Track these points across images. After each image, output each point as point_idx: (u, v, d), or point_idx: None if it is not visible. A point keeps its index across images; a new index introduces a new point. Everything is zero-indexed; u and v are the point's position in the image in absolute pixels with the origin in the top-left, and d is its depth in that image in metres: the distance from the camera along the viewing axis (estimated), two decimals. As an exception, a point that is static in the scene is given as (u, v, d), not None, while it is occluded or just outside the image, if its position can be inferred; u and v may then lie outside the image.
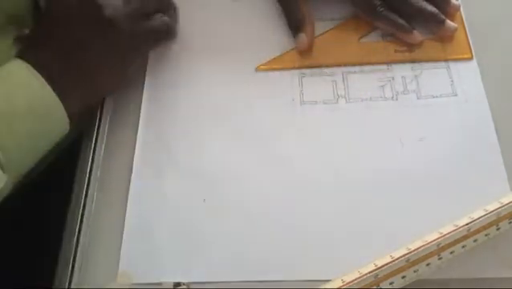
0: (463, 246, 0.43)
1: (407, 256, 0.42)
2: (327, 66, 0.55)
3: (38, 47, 0.49)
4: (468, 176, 0.47)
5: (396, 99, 0.53)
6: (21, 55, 0.48)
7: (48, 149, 0.49)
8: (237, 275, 0.45)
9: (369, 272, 0.41)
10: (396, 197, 0.47)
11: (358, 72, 0.55)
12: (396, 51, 0.55)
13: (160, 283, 0.44)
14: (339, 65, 0.55)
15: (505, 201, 0.44)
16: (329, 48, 0.56)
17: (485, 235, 0.44)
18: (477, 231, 0.43)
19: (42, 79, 0.47)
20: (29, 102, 0.46)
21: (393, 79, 0.54)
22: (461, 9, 0.57)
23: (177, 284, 0.44)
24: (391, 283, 0.42)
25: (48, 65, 0.47)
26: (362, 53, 0.56)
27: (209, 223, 0.47)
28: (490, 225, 0.44)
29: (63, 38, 0.49)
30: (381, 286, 0.41)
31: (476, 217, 0.43)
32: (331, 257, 0.45)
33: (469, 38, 0.55)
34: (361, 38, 0.57)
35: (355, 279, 0.41)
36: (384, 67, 0.55)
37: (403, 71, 0.54)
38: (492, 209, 0.44)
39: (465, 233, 0.43)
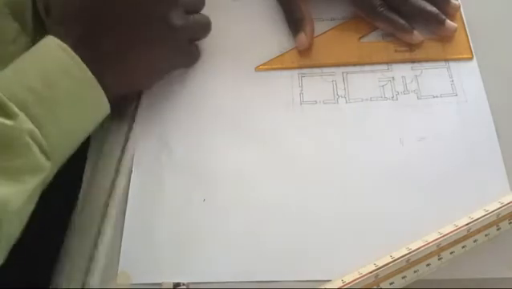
0: (463, 247, 0.43)
1: (407, 256, 0.42)
2: (327, 66, 0.55)
3: (74, 28, 0.48)
4: (468, 176, 0.47)
5: (396, 99, 0.53)
6: (56, 35, 0.46)
7: (88, 134, 0.48)
8: (236, 275, 0.45)
9: (369, 272, 0.41)
10: (395, 196, 0.47)
11: (358, 72, 0.55)
12: (396, 51, 0.55)
13: (160, 283, 0.44)
14: (339, 65, 0.55)
15: (506, 201, 0.44)
16: (329, 48, 0.56)
17: (486, 235, 0.44)
18: (478, 231, 0.43)
19: (82, 63, 0.45)
20: (69, 86, 0.45)
21: (393, 79, 0.54)
22: (461, 9, 0.57)
23: (177, 284, 0.44)
24: (391, 283, 0.42)
25: (88, 51, 0.46)
26: (362, 53, 0.56)
27: (209, 223, 0.47)
28: (490, 225, 0.44)
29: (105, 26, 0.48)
30: (381, 286, 0.41)
31: (476, 218, 0.44)
32: (331, 257, 0.45)
33: (469, 38, 0.55)
34: (361, 38, 0.57)
35: (356, 279, 0.41)
36: (384, 66, 0.55)
37: (403, 71, 0.54)
38: (492, 210, 0.44)
39: (465, 233, 0.43)
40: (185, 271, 0.45)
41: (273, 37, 0.57)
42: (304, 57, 0.56)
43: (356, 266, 0.42)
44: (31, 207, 0.44)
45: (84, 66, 0.45)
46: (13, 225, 0.42)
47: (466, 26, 0.56)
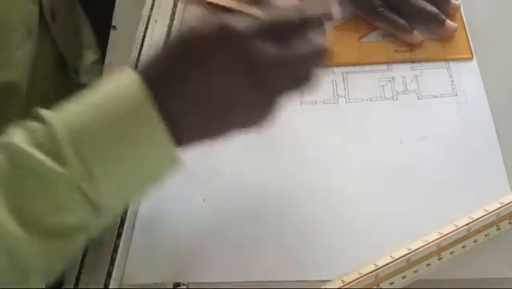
0: (463, 247, 0.43)
1: (407, 256, 0.42)
2: (327, 66, 0.55)
3: (167, 87, 0.41)
4: (468, 176, 0.47)
5: (396, 99, 0.53)
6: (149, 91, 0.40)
7: (149, 189, 0.42)
8: (236, 275, 0.45)
9: (369, 272, 0.41)
10: (395, 197, 0.47)
11: (358, 72, 0.55)
12: (396, 51, 0.55)
13: (160, 283, 0.44)
14: (339, 65, 0.55)
15: (506, 201, 0.44)
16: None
17: (485, 235, 0.44)
18: (477, 231, 0.43)
19: (156, 110, 0.39)
20: (138, 135, 0.39)
21: (393, 79, 0.54)
22: (461, 9, 0.57)
23: (177, 284, 0.44)
24: (391, 283, 0.42)
25: (177, 114, 0.40)
26: (362, 53, 0.56)
27: (209, 223, 0.47)
28: (490, 225, 0.44)
29: (196, 79, 0.41)
30: (381, 286, 0.41)
31: (476, 218, 0.44)
32: (331, 257, 0.45)
33: (469, 38, 0.55)
34: (361, 38, 0.57)
35: (356, 279, 0.41)
36: (384, 67, 0.55)
37: (403, 71, 0.54)
38: (492, 210, 0.44)
39: (465, 233, 0.43)
40: (185, 271, 0.45)
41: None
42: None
43: (356, 266, 0.42)
44: (62, 264, 0.41)
45: (158, 114, 0.39)
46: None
47: (466, 26, 0.56)
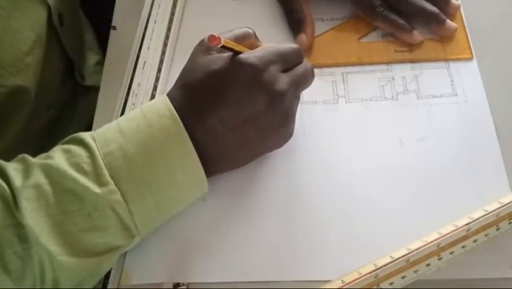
0: (463, 247, 0.43)
1: (407, 256, 0.42)
2: (327, 66, 0.55)
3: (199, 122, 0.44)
4: (468, 176, 0.47)
5: (396, 99, 0.53)
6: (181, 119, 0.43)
7: (177, 212, 0.46)
8: (237, 275, 0.45)
9: (369, 272, 0.41)
10: (395, 197, 0.47)
11: (358, 72, 0.55)
12: (396, 51, 0.55)
13: (160, 283, 0.44)
14: (339, 65, 0.55)
15: (505, 201, 0.44)
16: (329, 48, 0.56)
17: (485, 235, 0.44)
18: (477, 231, 0.43)
19: (189, 141, 0.43)
20: (169, 166, 0.43)
21: (393, 79, 0.54)
22: (461, 9, 0.57)
23: (177, 284, 0.44)
24: (391, 284, 0.42)
25: (205, 145, 0.44)
26: (362, 53, 0.56)
27: (209, 223, 0.47)
28: (490, 225, 0.44)
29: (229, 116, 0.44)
30: (381, 286, 0.41)
31: (476, 218, 0.44)
32: (331, 257, 0.45)
33: (469, 38, 0.55)
34: (361, 38, 0.57)
35: (355, 280, 0.41)
36: (384, 67, 0.55)
37: (403, 71, 0.54)
38: (492, 210, 0.44)
39: (464, 233, 0.43)
40: (185, 271, 0.45)
41: (273, 37, 0.57)
42: (304, 57, 0.56)
43: (356, 266, 0.42)
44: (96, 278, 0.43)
45: (190, 145, 0.43)
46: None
47: (466, 26, 0.56)
